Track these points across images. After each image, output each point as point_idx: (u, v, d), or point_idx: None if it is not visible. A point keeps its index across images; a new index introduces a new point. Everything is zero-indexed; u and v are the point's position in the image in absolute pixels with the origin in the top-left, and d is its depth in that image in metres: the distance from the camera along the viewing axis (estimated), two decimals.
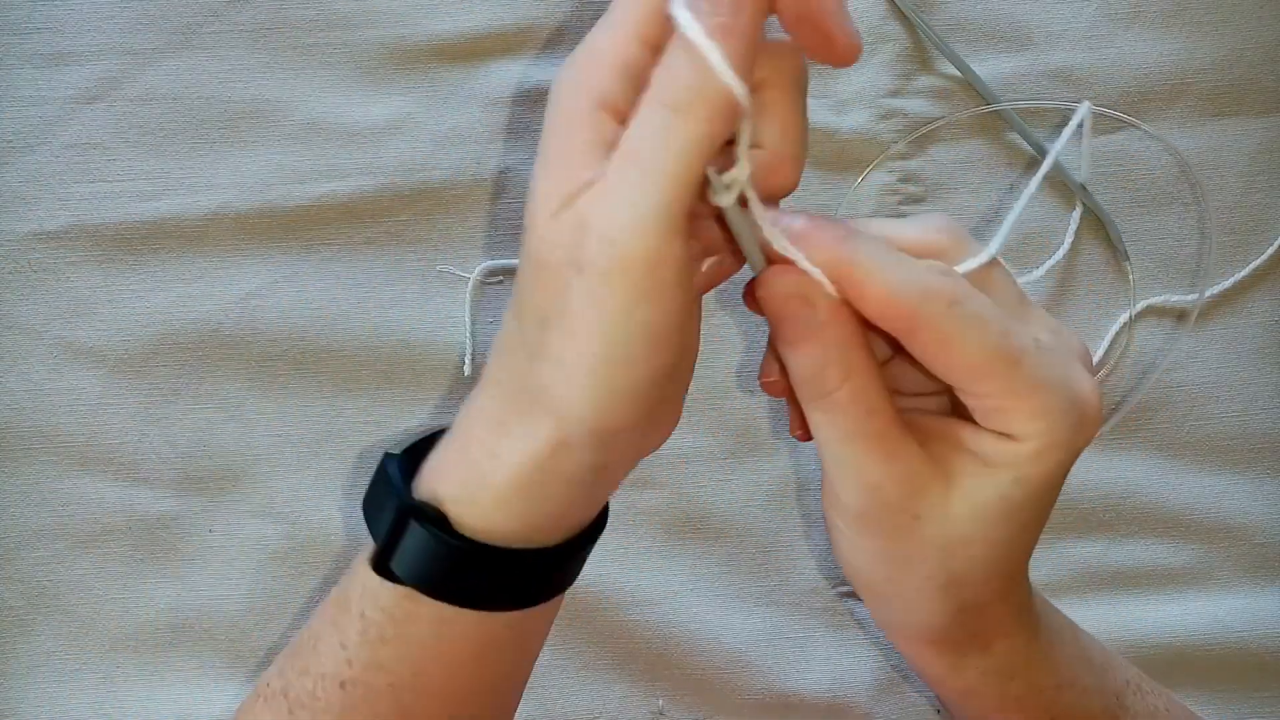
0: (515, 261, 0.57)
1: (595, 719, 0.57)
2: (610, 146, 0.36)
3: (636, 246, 0.35)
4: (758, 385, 0.44)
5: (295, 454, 0.58)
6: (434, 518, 0.40)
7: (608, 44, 0.37)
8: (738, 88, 0.34)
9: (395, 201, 0.58)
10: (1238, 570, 0.59)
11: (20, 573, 0.57)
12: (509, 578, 0.41)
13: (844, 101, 0.60)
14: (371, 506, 0.43)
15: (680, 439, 0.58)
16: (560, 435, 0.38)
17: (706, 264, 0.42)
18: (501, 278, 0.58)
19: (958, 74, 0.60)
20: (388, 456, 0.42)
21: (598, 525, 0.43)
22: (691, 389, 0.58)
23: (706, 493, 0.59)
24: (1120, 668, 0.49)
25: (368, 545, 0.42)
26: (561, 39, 0.60)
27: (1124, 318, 0.60)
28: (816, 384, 0.39)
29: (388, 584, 0.41)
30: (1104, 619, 0.58)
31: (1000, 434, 0.39)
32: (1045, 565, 0.59)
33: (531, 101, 0.59)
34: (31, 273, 0.57)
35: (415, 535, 0.40)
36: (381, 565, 0.41)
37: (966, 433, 0.40)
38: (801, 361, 0.39)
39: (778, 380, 0.42)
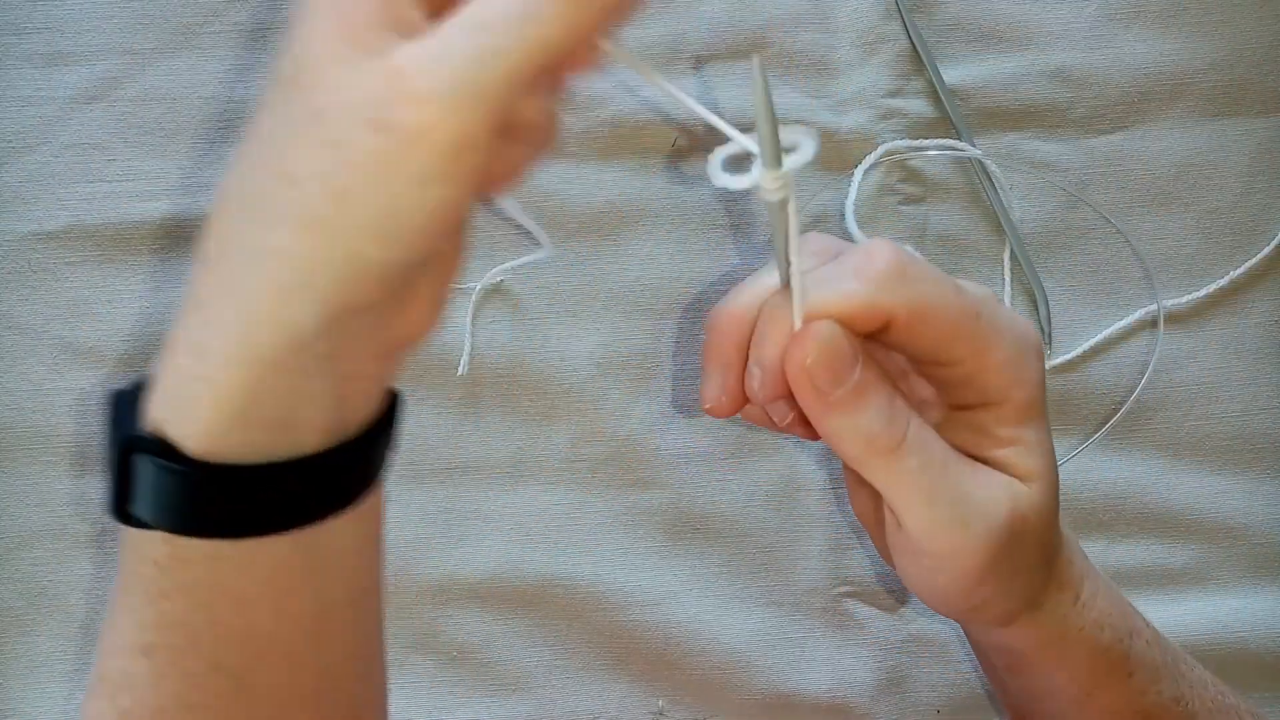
0: (516, 264, 0.57)
1: (595, 719, 0.57)
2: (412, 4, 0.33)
3: (460, 120, 0.31)
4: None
5: None
6: (157, 446, 0.35)
7: None
8: None
9: None
10: (1238, 570, 0.59)
11: (20, 573, 0.56)
12: (263, 497, 0.35)
13: (844, 101, 0.60)
14: (105, 451, 0.37)
15: (680, 439, 0.58)
16: (282, 316, 0.34)
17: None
18: (501, 278, 0.58)
19: (958, 75, 0.60)
20: (116, 393, 0.37)
21: (381, 426, 0.38)
22: (692, 390, 0.59)
23: (706, 493, 0.58)
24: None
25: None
26: None
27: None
28: (889, 434, 0.40)
29: (148, 533, 0.36)
30: None
31: (979, 406, 0.42)
32: None
33: None
34: (31, 273, 0.57)
35: (144, 470, 0.35)
36: (119, 510, 0.36)
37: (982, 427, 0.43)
38: (867, 420, 0.40)
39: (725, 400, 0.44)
